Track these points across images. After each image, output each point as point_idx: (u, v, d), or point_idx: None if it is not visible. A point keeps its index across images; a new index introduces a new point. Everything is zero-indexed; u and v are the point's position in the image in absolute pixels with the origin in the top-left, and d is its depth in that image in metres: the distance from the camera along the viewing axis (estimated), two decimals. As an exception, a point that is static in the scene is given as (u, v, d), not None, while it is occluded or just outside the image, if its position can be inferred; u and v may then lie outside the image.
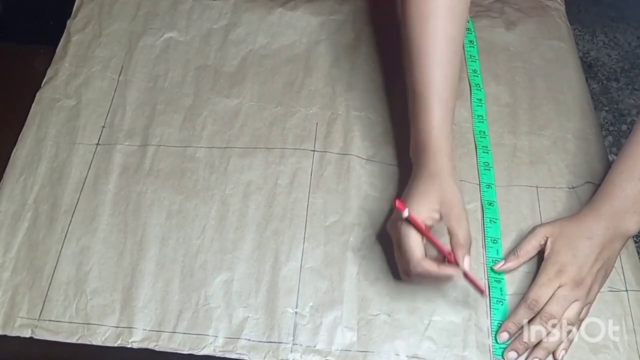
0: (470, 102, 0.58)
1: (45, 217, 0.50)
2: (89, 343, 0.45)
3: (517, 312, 0.45)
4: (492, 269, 0.48)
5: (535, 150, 0.56)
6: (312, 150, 0.55)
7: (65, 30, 0.62)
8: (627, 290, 0.48)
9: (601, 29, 1.35)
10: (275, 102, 0.58)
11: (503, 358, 0.45)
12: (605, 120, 1.21)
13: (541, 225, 0.49)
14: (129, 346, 0.45)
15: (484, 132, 0.56)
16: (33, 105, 0.57)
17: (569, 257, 0.45)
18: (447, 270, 0.43)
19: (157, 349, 0.45)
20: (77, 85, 0.58)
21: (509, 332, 0.45)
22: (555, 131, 0.57)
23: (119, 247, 0.49)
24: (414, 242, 0.43)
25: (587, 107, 0.60)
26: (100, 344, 0.45)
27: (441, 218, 0.44)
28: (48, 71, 0.59)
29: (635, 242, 1.01)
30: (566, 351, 0.45)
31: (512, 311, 0.46)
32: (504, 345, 0.45)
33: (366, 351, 0.45)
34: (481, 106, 0.58)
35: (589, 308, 0.46)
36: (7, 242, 0.49)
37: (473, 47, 0.62)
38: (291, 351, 0.45)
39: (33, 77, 0.59)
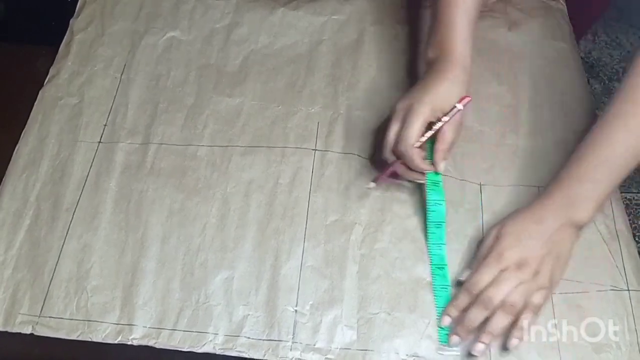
0: None
1: (47, 214, 0.51)
2: (89, 340, 0.45)
3: (458, 297, 0.45)
4: (435, 266, 0.48)
5: (537, 151, 0.56)
6: (313, 149, 0.55)
7: (68, 29, 0.63)
8: (628, 290, 0.48)
9: (603, 29, 1.35)
10: (277, 102, 0.58)
11: (447, 344, 0.45)
12: (608, 121, 1.21)
13: (493, 225, 0.48)
14: (129, 343, 0.45)
15: None
16: (35, 103, 0.57)
17: (510, 241, 0.45)
18: (424, 165, 0.47)
19: (157, 346, 0.45)
20: (80, 83, 0.58)
21: (450, 316, 0.45)
22: (557, 131, 0.57)
23: (120, 245, 0.49)
24: (417, 130, 0.46)
25: (589, 108, 0.60)
26: (100, 340, 0.45)
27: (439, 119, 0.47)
28: (51, 69, 0.59)
29: (637, 242, 1.00)
30: (519, 340, 0.44)
31: (454, 296, 0.46)
32: (448, 331, 0.45)
33: (366, 350, 0.45)
34: None
35: (545, 294, 0.44)
36: (9, 240, 0.49)
37: None
38: (291, 349, 0.45)
39: (35, 77, 0.59)
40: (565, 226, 0.46)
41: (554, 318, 0.47)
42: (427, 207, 0.49)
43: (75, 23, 0.63)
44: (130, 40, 0.62)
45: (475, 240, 0.50)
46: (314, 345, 0.45)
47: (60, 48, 0.61)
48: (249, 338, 0.45)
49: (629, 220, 0.72)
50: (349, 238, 0.50)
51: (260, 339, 0.45)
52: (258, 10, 0.65)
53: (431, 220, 0.49)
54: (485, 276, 0.44)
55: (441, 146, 0.47)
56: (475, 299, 0.44)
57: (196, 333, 0.45)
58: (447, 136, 0.47)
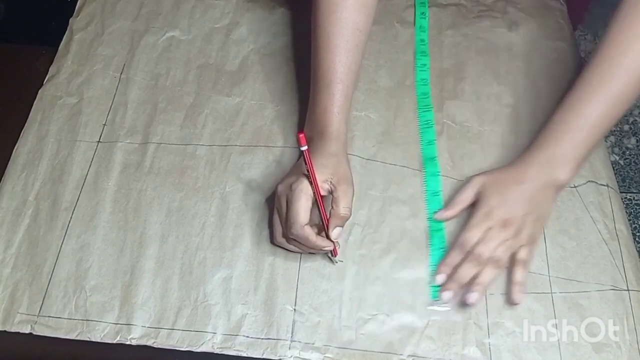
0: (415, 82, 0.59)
1: (46, 214, 0.51)
2: (88, 339, 0.45)
3: (450, 254, 0.47)
4: (431, 219, 0.50)
5: (536, 150, 0.56)
6: (312, 149, 0.55)
7: (68, 29, 0.63)
8: (628, 290, 0.48)
9: (603, 29, 1.35)
10: (276, 101, 0.58)
11: (439, 300, 0.46)
12: (608, 121, 1.21)
13: (477, 174, 0.51)
14: (127, 343, 0.45)
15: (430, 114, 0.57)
16: (35, 102, 0.57)
17: (497, 201, 0.47)
18: (322, 242, 0.45)
19: (155, 345, 0.45)
20: (79, 83, 0.58)
21: (444, 273, 0.47)
22: (557, 131, 0.57)
23: (119, 244, 0.49)
24: (303, 207, 0.44)
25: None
26: (99, 340, 0.45)
27: (331, 190, 0.46)
28: (50, 69, 0.59)
29: (637, 242, 1.00)
30: (520, 291, 0.46)
31: (446, 254, 0.48)
32: (439, 288, 0.47)
33: (364, 350, 0.45)
34: (427, 98, 0.59)
35: (528, 249, 0.47)
36: (8, 239, 0.49)
37: (424, 45, 0.63)
38: (289, 348, 0.45)
39: (35, 77, 0.59)
40: (546, 186, 0.48)
41: (554, 318, 0.46)
42: (424, 178, 0.53)
43: (75, 22, 0.63)
44: (130, 39, 0.62)
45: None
46: (313, 344, 0.45)
47: (59, 47, 0.61)
48: (247, 337, 0.45)
49: (629, 220, 0.72)
50: (348, 239, 0.50)
51: (258, 338, 0.45)
52: (258, 10, 0.65)
53: (428, 189, 0.52)
54: (476, 232, 0.47)
55: (334, 211, 0.45)
56: (467, 256, 0.46)
57: (195, 332, 0.45)
58: (338, 199, 0.45)
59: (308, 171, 0.44)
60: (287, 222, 0.45)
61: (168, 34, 0.63)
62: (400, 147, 0.55)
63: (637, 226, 1.07)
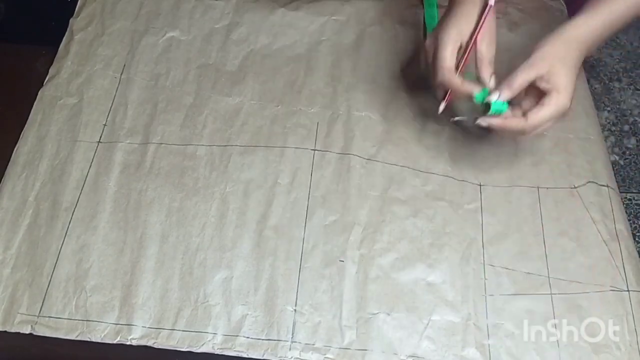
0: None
1: (46, 214, 0.51)
2: (88, 340, 0.45)
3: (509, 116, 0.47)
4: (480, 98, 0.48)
5: (536, 151, 0.56)
6: (312, 150, 0.55)
7: (68, 29, 0.63)
8: (628, 291, 0.48)
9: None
10: (276, 101, 0.58)
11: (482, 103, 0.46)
12: (607, 121, 1.21)
13: (538, 51, 0.48)
14: (128, 343, 0.45)
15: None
16: (35, 103, 0.57)
17: (569, 98, 0.46)
18: (468, 86, 0.47)
19: (156, 346, 0.45)
20: (79, 83, 0.58)
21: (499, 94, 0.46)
22: (557, 132, 0.57)
23: (119, 245, 0.49)
24: (449, 50, 0.46)
25: (589, 108, 0.60)
26: (99, 340, 0.45)
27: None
28: (50, 69, 0.59)
29: (637, 242, 1.00)
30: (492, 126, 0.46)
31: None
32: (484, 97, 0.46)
33: (365, 350, 0.45)
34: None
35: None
36: (8, 239, 0.49)
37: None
38: (290, 349, 0.45)
39: (35, 77, 0.59)
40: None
41: (554, 318, 0.47)
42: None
43: (75, 23, 0.63)
44: (130, 39, 0.62)
45: (474, 240, 0.50)
46: (313, 344, 0.45)
47: (60, 48, 0.61)
48: (248, 338, 0.45)
49: (629, 220, 0.72)
50: (348, 238, 0.50)
51: (259, 339, 0.45)
52: (258, 11, 0.65)
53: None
54: (545, 117, 0.45)
55: (481, 62, 0.48)
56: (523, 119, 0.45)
57: (195, 333, 0.45)
58: (483, 52, 0.48)
59: (477, 24, 0.47)
60: (433, 70, 0.47)
61: (168, 34, 0.62)
62: (400, 147, 0.55)
63: (637, 226, 1.07)
